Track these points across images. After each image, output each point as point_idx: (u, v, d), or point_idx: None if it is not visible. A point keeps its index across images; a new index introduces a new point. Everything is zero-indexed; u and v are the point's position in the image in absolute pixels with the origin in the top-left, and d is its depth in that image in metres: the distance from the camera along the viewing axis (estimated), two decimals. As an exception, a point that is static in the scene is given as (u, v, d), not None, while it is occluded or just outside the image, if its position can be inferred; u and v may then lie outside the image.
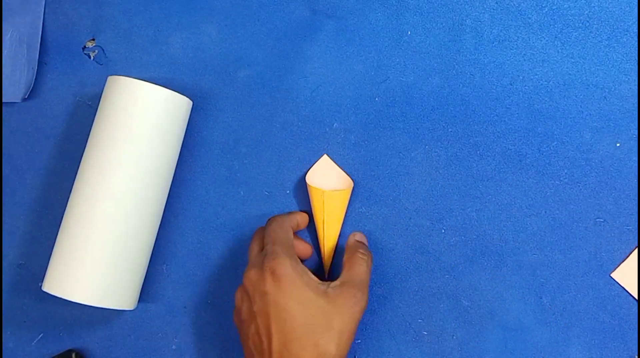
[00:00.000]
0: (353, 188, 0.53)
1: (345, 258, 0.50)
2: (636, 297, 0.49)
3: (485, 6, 0.53)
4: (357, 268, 0.48)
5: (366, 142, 0.53)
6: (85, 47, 0.57)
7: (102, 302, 0.48)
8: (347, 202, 0.52)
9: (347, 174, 0.53)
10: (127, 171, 0.49)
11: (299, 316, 0.44)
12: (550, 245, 0.51)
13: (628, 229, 0.50)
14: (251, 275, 0.46)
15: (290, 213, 0.53)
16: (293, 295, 0.44)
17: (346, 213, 0.53)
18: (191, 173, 0.55)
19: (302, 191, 0.54)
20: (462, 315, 0.51)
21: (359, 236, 0.52)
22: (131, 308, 0.51)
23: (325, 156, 0.54)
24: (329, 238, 0.52)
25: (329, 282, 0.47)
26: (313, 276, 0.47)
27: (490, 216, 0.51)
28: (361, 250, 0.50)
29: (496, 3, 0.52)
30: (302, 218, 0.53)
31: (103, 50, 0.56)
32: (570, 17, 0.52)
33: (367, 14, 0.54)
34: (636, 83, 0.51)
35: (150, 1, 0.56)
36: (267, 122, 0.54)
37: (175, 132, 0.52)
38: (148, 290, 0.54)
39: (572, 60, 0.52)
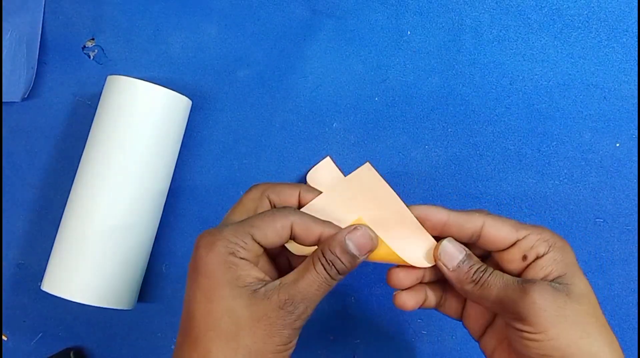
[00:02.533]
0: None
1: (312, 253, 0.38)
2: None
3: (485, 6, 0.53)
4: (308, 277, 0.37)
5: (366, 142, 0.53)
6: (84, 46, 0.57)
7: (101, 302, 0.48)
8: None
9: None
10: (127, 170, 0.49)
11: (201, 315, 0.36)
12: (550, 245, 0.51)
13: (628, 229, 0.50)
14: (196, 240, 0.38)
15: (299, 188, 0.42)
16: (204, 287, 0.36)
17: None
18: (191, 172, 0.55)
19: (301, 191, 0.54)
20: (462, 315, 0.51)
21: (357, 235, 0.38)
22: (130, 308, 0.51)
23: (328, 158, 0.53)
24: None
25: (275, 281, 0.37)
26: (255, 270, 0.37)
27: (490, 216, 0.51)
28: (327, 255, 0.37)
29: (496, 3, 0.52)
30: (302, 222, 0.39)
31: (103, 50, 0.56)
32: (570, 17, 0.52)
33: (367, 14, 0.54)
34: (636, 83, 0.51)
35: (150, 1, 0.56)
36: (267, 122, 0.54)
37: (174, 132, 0.52)
38: (147, 289, 0.54)
39: (572, 60, 0.52)
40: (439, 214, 0.39)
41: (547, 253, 0.37)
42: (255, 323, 0.35)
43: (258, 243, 0.37)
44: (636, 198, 0.50)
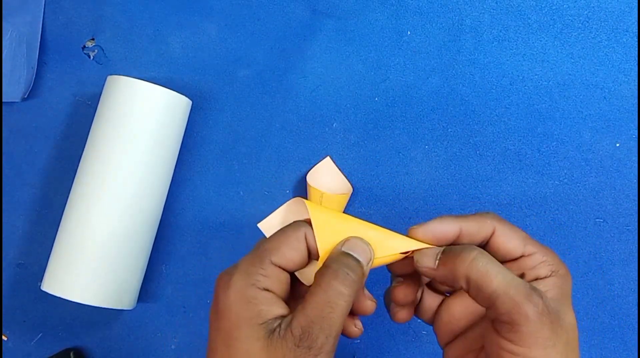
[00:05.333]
0: (352, 190, 0.53)
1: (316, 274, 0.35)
2: None
3: (484, 6, 0.53)
4: (317, 298, 0.33)
5: (366, 142, 0.53)
6: (84, 46, 0.57)
7: (101, 302, 0.48)
8: (343, 207, 0.52)
9: (347, 179, 0.53)
10: (127, 170, 0.49)
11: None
12: (550, 245, 0.50)
13: (628, 229, 0.50)
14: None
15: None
16: (223, 329, 0.33)
17: (346, 214, 0.53)
18: (191, 172, 0.55)
19: (301, 191, 0.53)
20: (462, 315, 0.51)
21: (352, 243, 0.36)
22: (130, 308, 0.51)
23: (328, 158, 0.53)
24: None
25: (289, 316, 0.34)
26: (277, 305, 0.34)
27: (490, 216, 0.51)
28: (345, 268, 0.34)
29: (496, 3, 0.52)
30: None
31: (103, 50, 0.56)
32: (570, 17, 0.52)
33: (367, 14, 0.54)
34: (636, 83, 0.51)
35: (150, 1, 0.56)
36: (266, 122, 0.54)
37: (174, 132, 0.52)
38: (147, 289, 0.54)
39: (572, 60, 0.52)
40: (450, 227, 0.36)
41: (548, 277, 0.35)
42: None
43: (279, 267, 0.34)
44: (636, 198, 0.50)
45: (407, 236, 0.37)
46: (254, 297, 0.33)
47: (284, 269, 0.35)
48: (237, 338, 0.33)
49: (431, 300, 0.40)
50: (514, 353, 0.32)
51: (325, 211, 0.37)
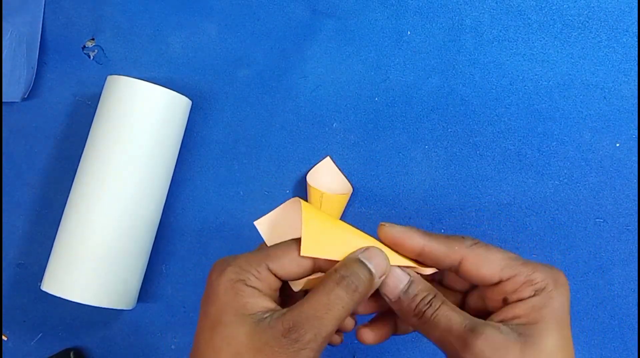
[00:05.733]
0: (352, 190, 0.53)
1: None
2: None
3: (485, 6, 0.53)
4: (317, 298, 0.33)
5: (366, 142, 0.53)
6: (84, 46, 0.57)
7: (101, 302, 0.48)
8: (343, 207, 0.52)
9: (347, 179, 0.53)
10: (127, 170, 0.49)
11: (204, 344, 0.33)
12: (550, 245, 0.51)
13: (628, 229, 0.50)
14: None
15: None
16: (210, 313, 0.34)
17: (346, 214, 0.53)
18: (190, 172, 0.55)
19: (301, 191, 0.53)
20: (462, 315, 0.51)
21: (371, 253, 0.35)
22: (130, 308, 0.51)
23: (328, 158, 0.53)
24: None
25: (284, 309, 0.34)
26: (265, 300, 0.33)
27: (490, 216, 0.51)
28: (354, 277, 0.33)
29: (496, 3, 0.52)
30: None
31: (102, 50, 0.56)
32: (570, 17, 0.52)
33: (367, 14, 0.54)
34: (636, 83, 0.51)
35: (150, 1, 0.56)
36: (266, 122, 0.54)
37: (174, 132, 0.52)
38: (147, 289, 0.54)
39: (572, 60, 0.52)
40: (413, 241, 0.35)
41: (530, 297, 0.33)
42: (256, 353, 0.31)
43: (274, 275, 0.34)
44: (636, 198, 0.50)
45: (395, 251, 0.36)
46: (242, 290, 0.33)
47: (278, 277, 0.35)
48: (222, 323, 0.33)
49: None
50: None
51: (320, 214, 0.36)
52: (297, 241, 0.35)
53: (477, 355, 0.31)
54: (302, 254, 0.34)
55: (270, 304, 0.33)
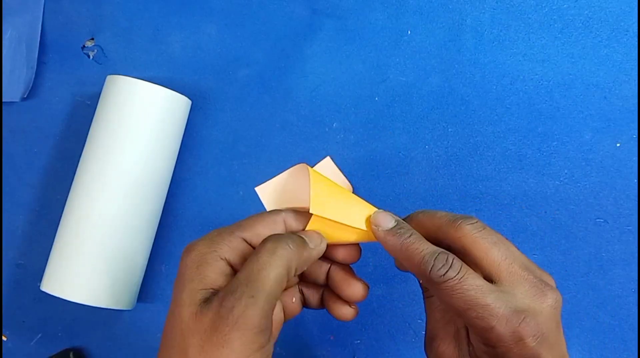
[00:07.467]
0: (352, 190, 0.53)
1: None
2: None
3: (485, 6, 0.53)
4: (252, 263, 0.32)
5: (366, 142, 0.53)
6: (84, 46, 0.57)
7: (101, 302, 0.48)
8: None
9: (347, 179, 0.53)
10: (126, 170, 0.49)
11: (166, 328, 0.32)
12: (550, 245, 0.51)
13: (628, 229, 0.50)
14: None
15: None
16: (174, 293, 0.33)
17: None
18: (190, 172, 0.55)
19: (301, 191, 0.54)
20: (462, 315, 0.51)
21: (309, 233, 0.36)
22: (130, 308, 0.51)
23: (328, 158, 0.53)
24: None
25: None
26: (219, 278, 0.32)
27: (490, 216, 0.51)
28: (287, 238, 0.33)
29: (497, 3, 0.52)
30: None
31: (102, 49, 0.56)
32: (570, 17, 0.52)
33: (367, 13, 0.54)
34: (636, 83, 0.51)
35: (150, 1, 0.56)
36: (266, 122, 0.54)
37: (174, 131, 0.52)
38: (147, 289, 0.54)
39: (572, 60, 0.51)
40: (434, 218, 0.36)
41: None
42: (201, 335, 0.30)
43: (249, 244, 0.34)
44: (636, 198, 0.50)
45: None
46: (207, 262, 0.32)
47: (251, 245, 0.34)
48: (178, 303, 0.32)
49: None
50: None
51: (326, 179, 0.37)
52: (267, 212, 0.35)
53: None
54: (311, 211, 0.35)
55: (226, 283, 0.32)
